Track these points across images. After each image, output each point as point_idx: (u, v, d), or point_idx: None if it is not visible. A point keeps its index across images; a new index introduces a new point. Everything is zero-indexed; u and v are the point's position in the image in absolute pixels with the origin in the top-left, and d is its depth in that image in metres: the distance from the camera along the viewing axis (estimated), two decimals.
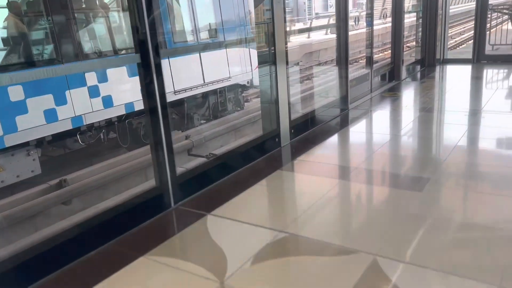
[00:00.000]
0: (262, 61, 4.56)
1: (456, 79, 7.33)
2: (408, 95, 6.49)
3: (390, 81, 7.57)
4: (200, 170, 3.48)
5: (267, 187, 3.42)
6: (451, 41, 18.13)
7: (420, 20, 8.67)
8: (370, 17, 6.75)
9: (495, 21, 10.10)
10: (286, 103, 4.37)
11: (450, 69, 8.70)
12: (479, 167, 3.56)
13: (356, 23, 7.18)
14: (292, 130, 4.55)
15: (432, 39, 8.79)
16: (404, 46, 7.90)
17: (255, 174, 3.64)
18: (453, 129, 4.67)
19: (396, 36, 7.46)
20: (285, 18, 4.19)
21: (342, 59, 5.59)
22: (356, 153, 4.16)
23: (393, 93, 6.62)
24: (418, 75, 8.28)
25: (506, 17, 11.56)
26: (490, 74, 7.95)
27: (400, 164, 3.76)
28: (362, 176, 3.53)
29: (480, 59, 8.88)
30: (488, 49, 9.05)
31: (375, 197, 3.15)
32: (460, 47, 19.82)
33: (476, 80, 7.36)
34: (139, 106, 6.93)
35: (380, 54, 12.60)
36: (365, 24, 6.92)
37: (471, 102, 5.93)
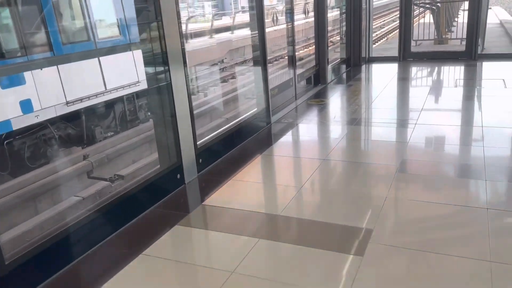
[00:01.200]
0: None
1: (383, 81, 6.82)
2: (336, 102, 5.82)
3: (316, 84, 6.89)
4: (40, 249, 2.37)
5: (156, 262, 2.46)
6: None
7: (344, 16, 8.10)
8: (290, 12, 5.93)
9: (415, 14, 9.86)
10: (187, 124, 3.41)
11: (377, 68, 8.24)
12: (433, 221, 2.87)
13: (274, 20, 6.33)
14: (200, 160, 3.62)
15: (357, 38, 8.26)
16: (329, 43, 7.28)
17: (141, 236, 2.67)
18: (385, 150, 4.01)
19: (320, 36, 6.77)
20: (178, 11, 3.22)
21: (261, 64, 4.74)
22: (281, 190, 3.33)
23: (319, 100, 5.91)
24: (344, 76, 7.70)
25: (422, 9, 11.48)
26: (417, 74, 7.57)
27: (333, 209, 2.98)
28: (287, 229, 2.70)
29: (406, 56, 8.52)
30: (411, 45, 8.74)
31: (304, 265, 2.32)
32: (381, 41, 20.04)
33: (404, 81, 6.89)
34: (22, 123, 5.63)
35: (305, 50, 12.03)
36: (285, 20, 6.11)
37: (401, 111, 5.36)
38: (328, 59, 6.96)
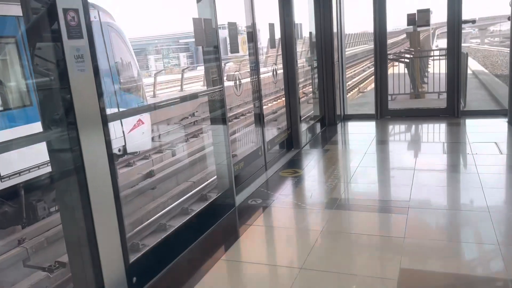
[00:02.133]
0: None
1: (362, 145, 6.10)
2: (312, 175, 5.02)
3: (289, 149, 6.12)
4: None
5: None
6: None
7: (315, 71, 7.52)
8: (255, 64, 5.09)
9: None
10: (112, 227, 2.50)
11: (353, 128, 7.59)
12: None
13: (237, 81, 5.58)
14: (135, 278, 2.68)
15: (330, 94, 7.65)
16: (301, 99, 6.62)
17: None
18: (376, 252, 3.18)
19: (290, 95, 6.08)
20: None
21: (223, 133, 3.92)
22: None
23: (293, 171, 5.10)
24: (320, 137, 6.98)
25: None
26: (398, 136, 6.92)
27: None
28: None
29: (384, 114, 7.94)
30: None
31: None
32: (353, 91, 19.87)
33: (384, 146, 6.18)
34: None
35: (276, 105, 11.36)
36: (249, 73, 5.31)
37: (386, 189, 4.58)
38: (301, 119, 6.24)
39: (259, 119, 5.15)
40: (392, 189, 4.42)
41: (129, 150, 7.83)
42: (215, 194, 3.98)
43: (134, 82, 8.24)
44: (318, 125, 7.44)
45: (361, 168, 5.05)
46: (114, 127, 7.35)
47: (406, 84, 9.65)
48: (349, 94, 18.93)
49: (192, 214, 3.58)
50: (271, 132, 5.92)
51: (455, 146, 5.79)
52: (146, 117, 8.25)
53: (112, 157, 2.49)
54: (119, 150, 7.71)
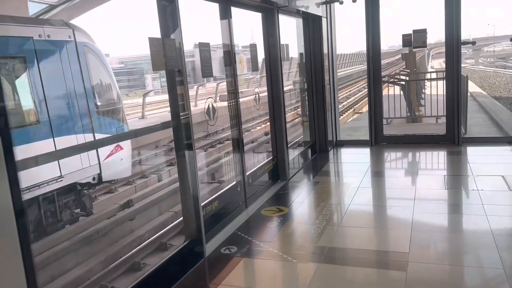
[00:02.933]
0: None
1: (355, 177, 5.55)
2: (298, 214, 4.43)
3: (274, 182, 5.55)
4: None
5: None
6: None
7: (306, 93, 7.00)
8: (233, 87, 4.54)
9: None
10: None
11: (346, 156, 7.03)
12: None
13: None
14: None
15: (322, 118, 7.12)
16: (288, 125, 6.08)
17: None
18: None
19: (276, 124, 5.54)
20: None
21: (188, 170, 3.34)
22: None
23: (277, 209, 4.52)
24: (310, 166, 6.42)
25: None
26: (394, 166, 6.36)
27: None
28: None
29: (379, 140, 7.40)
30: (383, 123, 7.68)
31: None
32: (348, 112, 19.41)
33: (379, 180, 5.60)
34: None
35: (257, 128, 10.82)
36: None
37: (383, 237, 3.99)
38: (288, 147, 5.69)
39: (238, 148, 4.58)
40: (389, 236, 3.82)
41: (105, 178, 7.21)
42: (180, 241, 3.39)
43: (113, 105, 7.68)
44: (309, 152, 6.88)
45: (354, 206, 4.47)
46: (88, 155, 6.77)
47: (402, 107, 9.17)
48: (344, 114, 18.48)
49: (147, 271, 2.97)
50: (253, 163, 5.36)
51: (458, 180, 5.22)
52: (125, 142, 7.66)
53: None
54: (94, 179, 7.09)
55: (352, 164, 6.46)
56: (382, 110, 7.48)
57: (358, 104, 21.38)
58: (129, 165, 8.02)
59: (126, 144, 7.68)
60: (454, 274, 3.03)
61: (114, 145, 7.42)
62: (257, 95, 5.35)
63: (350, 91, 26.19)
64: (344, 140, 7.82)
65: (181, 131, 3.25)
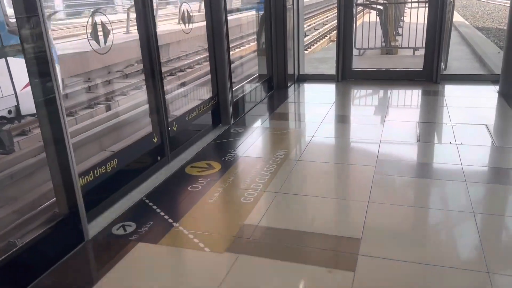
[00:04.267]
0: None
1: (312, 122, 4.61)
2: (229, 174, 3.48)
3: (215, 126, 4.56)
4: None
5: None
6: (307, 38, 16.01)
7: (262, 17, 5.81)
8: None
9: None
10: None
11: (308, 94, 6.02)
12: None
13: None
14: None
15: (281, 49, 6.00)
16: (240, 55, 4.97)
17: None
18: None
19: (217, 54, 4.42)
20: None
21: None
22: None
23: (206, 166, 3.57)
24: (263, 106, 5.41)
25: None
26: (359, 110, 5.38)
27: None
28: None
29: (347, 75, 6.39)
30: (354, 53, 6.65)
31: None
32: (323, 40, 18.09)
33: (340, 127, 4.65)
34: None
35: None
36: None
37: (340, 206, 3.12)
38: (231, 84, 4.65)
39: (154, 84, 3.46)
40: (345, 212, 2.95)
41: (25, 111, 6.04)
42: (47, 223, 2.42)
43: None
44: (263, 88, 5.84)
45: (301, 163, 3.55)
46: None
47: (377, 36, 8.06)
48: (319, 43, 17.19)
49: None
50: (183, 103, 4.30)
51: (433, 128, 4.33)
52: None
53: None
54: (10, 112, 5.92)
55: (313, 105, 5.46)
56: (353, 40, 6.38)
57: (335, 32, 19.99)
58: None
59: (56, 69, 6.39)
60: (418, 270, 2.21)
61: None
62: (185, 13, 4.12)
63: (327, 16, 24.53)
64: (307, 74, 6.76)
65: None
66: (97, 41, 2.99)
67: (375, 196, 2.92)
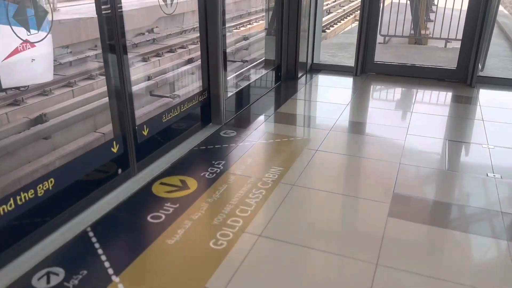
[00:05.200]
0: None
1: (320, 129, 3.87)
2: (209, 198, 2.80)
3: (204, 125, 3.84)
4: None
5: None
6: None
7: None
8: None
9: None
10: None
11: (320, 90, 5.23)
12: None
13: None
14: None
15: (293, 33, 5.19)
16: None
17: None
18: None
19: (210, 37, 3.66)
20: None
21: None
22: None
23: (178, 183, 2.89)
24: (264, 102, 4.65)
25: None
26: (378, 117, 4.56)
27: None
28: None
29: (366, 69, 5.57)
30: (378, 40, 5.82)
31: None
32: (349, 18, 16.98)
33: (352, 138, 3.92)
34: None
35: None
36: None
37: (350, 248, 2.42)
38: (225, 75, 3.91)
39: (114, 68, 2.74)
40: (350, 270, 2.24)
41: (6, 84, 5.40)
42: None
43: None
44: (269, 79, 5.08)
45: (298, 189, 2.84)
46: None
47: (407, 20, 7.12)
48: (342, 22, 16.10)
49: None
50: (158, 101, 3.58)
51: (465, 150, 3.55)
52: (40, 37, 5.72)
53: None
54: None
55: (323, 105, 4.68)
56: (378, 24, 5.52)
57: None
58: (49, 67, 6.16)
59: (46, 40, 5.73)
60: None
61: (18, 41, 5.49)
62: None
63: None
64: (322, 64, 5.95)
65: None
66: None
67: (385, 258, 2.20)
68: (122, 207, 2.61)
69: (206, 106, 3.84)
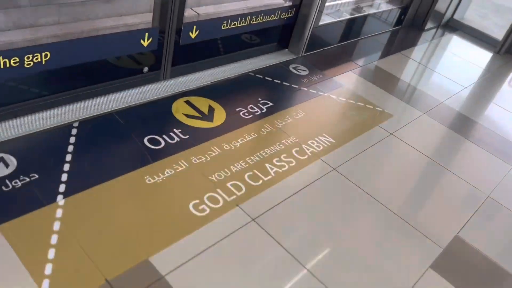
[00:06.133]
0: None
1: (424, 105, 3.02)
2: (230, 156, 2.29)
3: (277, 48, 3.17)
4: None
5: None
6: None
7: None
8: None
9: None
10: None
11: (444, 58, 4.15)
12: None
13: None
14: None
15: None
16: None
17: None
18: None
19: None
20: None
21: None
22: None
23: (204, 107, 2.39)
24: (364, 51, 3.78)
25: None
26: (510, 121, 3.49)
27: None
28: None
29: None
30: None
31: None
32: None
33: (454, 138, 2.99)
34: None
35: None
36: None
37: None
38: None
39: None
40: None
41: None
42: None
43: None
44: (388, 19, 4.11)
45: (336, 177, 2.21)
46: None
47: None
48: None
49: None
50: None
51: None
52: None
53: None
54: None
55: (435, 77, 3.69)
56: None
57: None
58: None
59: None
60: None
61: None
62: None
63: None
64: (463, 22, 4.72)
65: None
66: None
67: None
68: (126, 113, 2.20)
69: (288, 27, 3.13)
